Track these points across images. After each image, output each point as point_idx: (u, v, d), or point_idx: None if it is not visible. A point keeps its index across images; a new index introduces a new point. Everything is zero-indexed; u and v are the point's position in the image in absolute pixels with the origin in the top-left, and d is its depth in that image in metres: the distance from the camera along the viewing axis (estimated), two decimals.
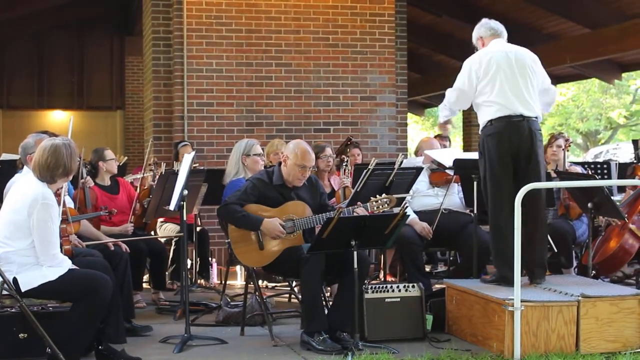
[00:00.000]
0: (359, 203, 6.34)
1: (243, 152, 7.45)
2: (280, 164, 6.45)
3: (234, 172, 7.44)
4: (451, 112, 6.94)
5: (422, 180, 7.81)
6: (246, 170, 7.38)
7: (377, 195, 6.37)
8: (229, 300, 7.45)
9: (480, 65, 6.42)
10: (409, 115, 17.86)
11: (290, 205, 6.34)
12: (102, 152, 7.91)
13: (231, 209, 6.27)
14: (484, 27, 6.68)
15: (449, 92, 6.71)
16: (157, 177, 8.16)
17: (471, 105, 6.64)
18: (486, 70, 6.38)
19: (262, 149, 7.76)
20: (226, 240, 6.51)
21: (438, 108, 6.93)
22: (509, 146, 6.32)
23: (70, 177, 5.75)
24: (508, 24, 6.79)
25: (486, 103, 6.40)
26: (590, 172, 8.55)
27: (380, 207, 6.24)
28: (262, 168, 7.48)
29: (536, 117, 6.41)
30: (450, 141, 10.87)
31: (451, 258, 8.97)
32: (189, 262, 8.20)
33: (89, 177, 7.67)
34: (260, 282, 7.49)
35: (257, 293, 6.74)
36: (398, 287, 6.40)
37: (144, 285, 8.18)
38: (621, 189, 8.86)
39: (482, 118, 6.46)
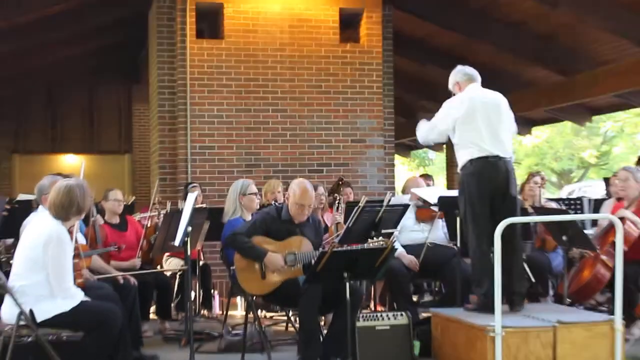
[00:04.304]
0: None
1: (240, 192, 7.47)
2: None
3: (231, 211, 7.45)
4: (424, 141, 6.98)
5: (409, 217, 7.84)
6: (243, 209, 7.41)
7: (375, 238, 6.39)
8: (230, 329, 7.44)
9: (459, 108, 6.48)
10: (396, 156, 17.87)
11: (292, 240, 6.38)
12: (107, 193, 8.02)
13: (239, 239, 6.33)
14: (460, 72, 6.74)
15: (425, 126, 6.78)
16: (162, 215, 8.19)
17: (452, 148, 6.69)
18: (466, 114, 6.43)
19: (260, 188, 7.80)
20: (231, 268, 6.53)
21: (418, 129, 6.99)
22: (488, 185, 6.36)
23: (83, 215, 5.79)
24: (488, 71, 6.86)
25: (465, 144, 6.45)
26: (564, 208, 8.59)
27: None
28: (257, 206, 7.54)
29: (510, 158, 6.47)
30: (433, 180, 10.93)
31: (436, 288, 8.98)
32: (192, 294, 8.19)
33: (99, 216, 7.72)
34: (259, 312, 7.49)
35: (256, 322, 6.73)
36: (387, 315, 6.38)
37: (151, 315, 8.15)
38: (594, 223, 8.88)
39: (462, 158, 6.51)
